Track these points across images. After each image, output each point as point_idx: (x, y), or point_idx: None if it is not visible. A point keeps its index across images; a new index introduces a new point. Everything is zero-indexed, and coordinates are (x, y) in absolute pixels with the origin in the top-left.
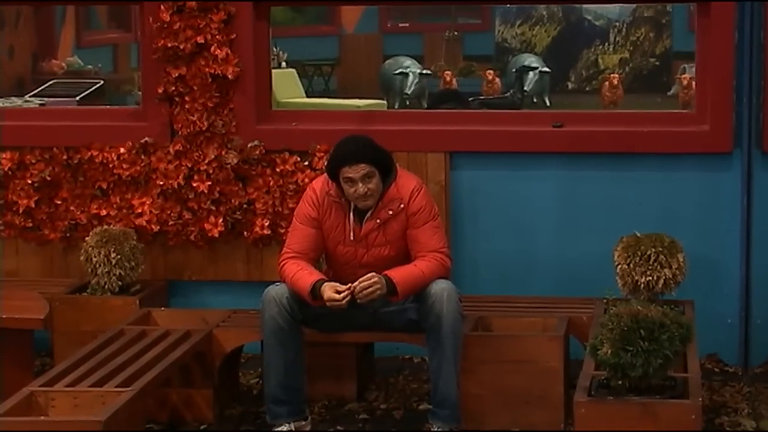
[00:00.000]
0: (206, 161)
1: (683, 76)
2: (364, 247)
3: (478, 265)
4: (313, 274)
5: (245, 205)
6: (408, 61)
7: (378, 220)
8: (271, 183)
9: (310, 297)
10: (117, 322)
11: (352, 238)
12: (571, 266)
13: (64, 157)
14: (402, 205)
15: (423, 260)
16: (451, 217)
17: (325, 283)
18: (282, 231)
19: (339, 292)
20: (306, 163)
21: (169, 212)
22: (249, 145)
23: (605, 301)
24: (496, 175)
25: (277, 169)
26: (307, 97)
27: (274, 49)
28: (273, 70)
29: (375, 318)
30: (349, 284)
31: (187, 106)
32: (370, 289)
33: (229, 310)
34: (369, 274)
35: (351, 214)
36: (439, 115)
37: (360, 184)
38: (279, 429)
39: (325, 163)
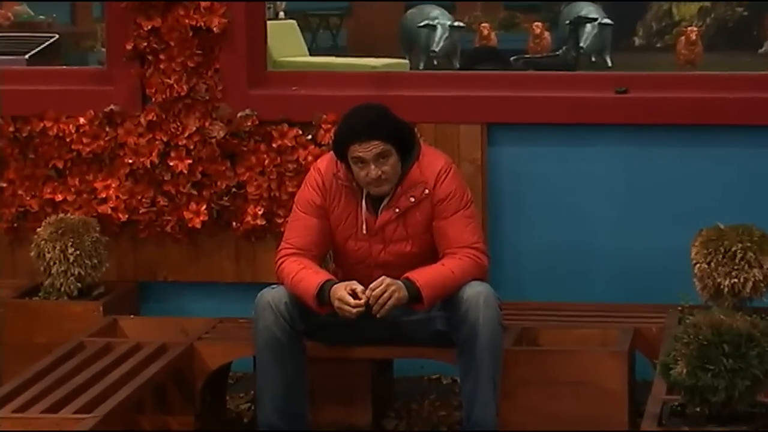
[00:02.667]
0: (186, 135)
1: None
2: (380, 242)
3: (521, 264)
4: (319, 274)
5: (234, 189)
6: (436, 11)
7: (397, 210)
8: (266, 162)
9: (316, 302)
10: (76, 332)
11: (365, 231)
12: (637, 265)
13: (11, 129)
14: (427, 191)
15: (453, 258)
16: (488, 204)
17: (336, 284)
18: (279, 221)
19: (354, 296)
20: (309, 137)
21: (140, 197)
22: (239, 115)
23: (680, 308)
24: (544, 153)
25: (274, 145)
26: (311, 55)
27: None
28: (269, 22)
29: (394, 329)
30: (374, 287)
31: (162, 67)
32: (385, 295)
33: (214, 318)
34: (379, 279)
35: (364, 201)
36: (473, 78)
37: (372, 166)
38: None
39: (331, 139)
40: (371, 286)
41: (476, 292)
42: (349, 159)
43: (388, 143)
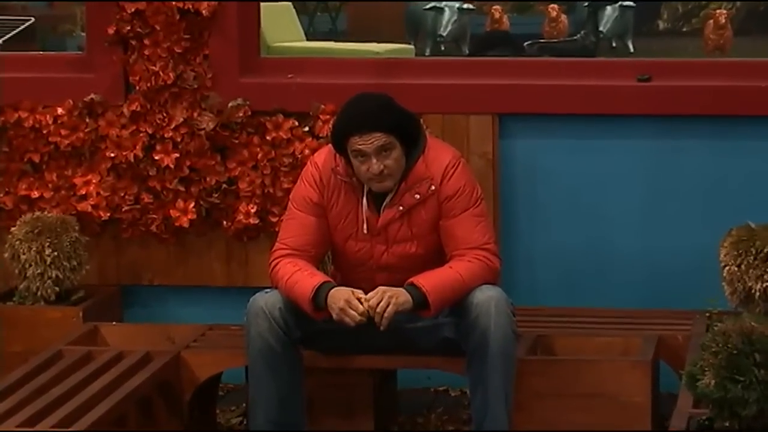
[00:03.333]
0: (172, 126)
1: None
2: (382, 242)
3: (536, 267)
4: (316, 276)
5: (225, 185)
6: None
7: (401, 208)
8: (260, 156)
9: (312, 307)
10: (54, 340)
11: (366, 230)
12: (661, 268)
13: None
14: (433, 187)
15: (462, 261)
16: (500, 202)
17: (337, 288)
18: (274, 220)
19: (352, 306)
20: (306, 128)
21: (122, 194)
22: (230, 105)
23: (707, 314)
24: (560, 146)
25: (268, 137)
26: (308, 40)
27: None
28: (262, 4)
29: (398, 336)
30: (369, 297)
31: (146, 53)
32: (382, 303)
33: (203, 325)
34: (376, 289)
35: (365, 198)
36: (484, 65)
37: (374, 160)
38: None
39: (330, 131)
40: (368, 296)
41: (487, 297)
42: (349, 152)
43: (391, 135)
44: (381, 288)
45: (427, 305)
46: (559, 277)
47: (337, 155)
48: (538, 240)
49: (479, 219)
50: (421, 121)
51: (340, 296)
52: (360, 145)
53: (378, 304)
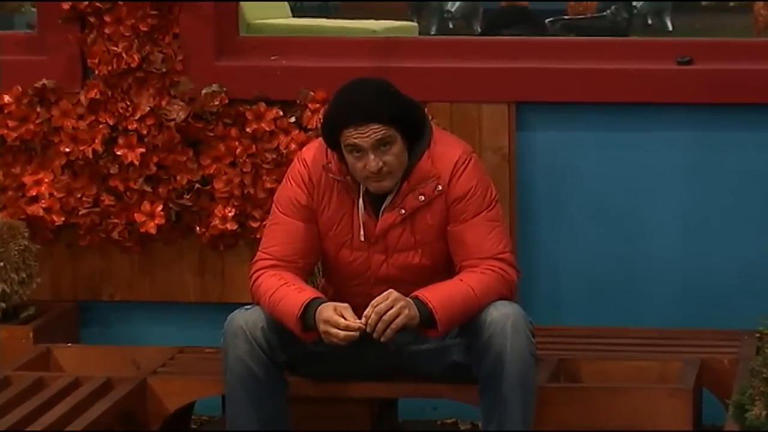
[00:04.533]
0: (137, 116)
1: None
2: (381, 251)
3: (559, 280)
4: (305, 291)
5: (198, 185)
6: None
7: (402, 211)
8: (239, 151)
9: (300, 326)
10: (1, 364)
11: (362, 237)
12: (703, 281)
13: None
14: (440, 187)
15: (473, 272)
16: (517, 204)
17: (324, 304)
18: (255, 226)
19: (332, 324)
20: (293, 119)
21: (79, 195)
22: (204, 92)
23: (757, 335)
24: (588, 139)
25: (248, 129)
26: (295, 17)
27: None
28: None
29: (400, 360)
30: (377, 302)
31: (107, 31)
32: (392, 311)
33: (173, 347)
34: (386, 293)
35: (361, 200)
36: (499, 46)
37: (371, 156)
38: None
39: (320, 122)
40: (374, 301)
41: (503, 314)
42: (343, 147)
43: (391, 127)
44: (392, 293)
45: (434, 323)
46: (586, 292)
47: (329, 150)
48: (562, 248)
49: (493, 224)
50: (426, 110)
51: (321, 315)
52: (355, 138)
53: (387, 312)
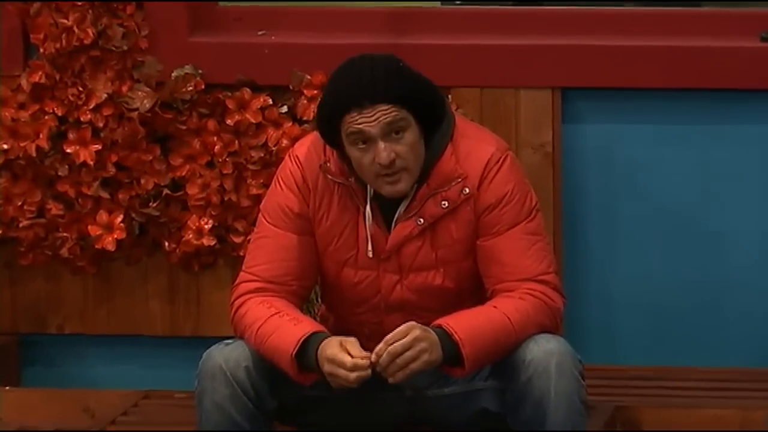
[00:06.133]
0: (92, 105)
1: None
2: (394, 271)
3: (614, 308)
4: (302, 323)
5: (167, 191)
6: None
7: (421, 220)
8: (217, 148)
9: (296, 366)
10: None
11: (370, 254)
12: None
13: None
14: (467, 191)
15: (509, 298)
16: (563, 214)
17: (327, 339)
18: (237, 240)
19: (348, 363)
20: (284, 109)
21: (20, 203)
22: (174, 75)
23: None
24: (651, 134)
25: (229, 122)
26: None
27: None
28: None
29: (417, 407)
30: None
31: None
32: (409, 353)
33: (136, 391)
34: (403, 326)
35: (368, 206)
36: (542, 17)
37: (381, 145)
38: None
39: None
40: (389, 336)
41: (545, 350)
42: (345, 139)
43: (402, 108)
44: (413, 328)
45: (460, 361)
46: (648, 323)
47: (327, 147)
48: (618, 269)
49: (534, 238)
50: (450, 98)
51: (324, 353)
52: (360, 124)
53: (403, 353)
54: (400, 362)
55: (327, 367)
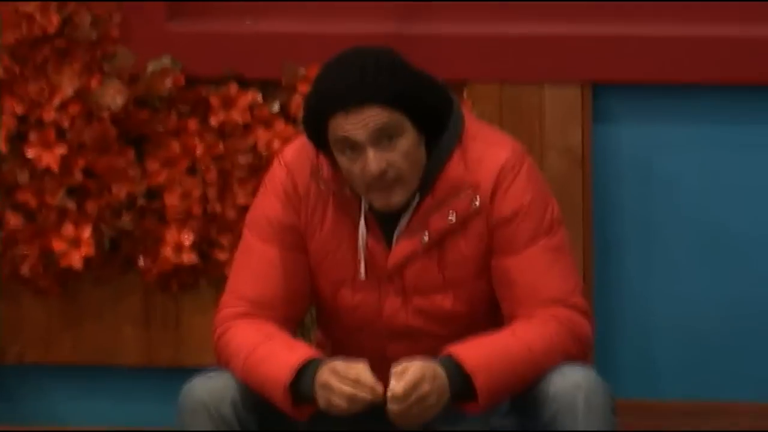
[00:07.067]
0: (57, 103)
1: None
2: (397, 292)
3: (650, 335)
4: (296, 349)
5: (142, 201)
6: None
7: (426, 236)
8: (200, 151)
9: (291, 399)
10: None
11: (362, 276)
12: None
13: None
14: (478, 201)
15: (530, 323)
16: (593, 228)
17: (329, 364)
18: (222, 258)
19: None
20: (275, 107)
21: None
22: (150, 69)
23: None
24: (694, 136)
25: (213, 122)
26: None
27: None
28: None
29: None
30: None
31: None
32: (414, 397)
33: (107, 429)
34: (405, 364)
35: (362, 220)
36: (569, 4)
37: (371, 153)
38: None
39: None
40: (395, 371)
41: (572, 383)
42: (332, 145)
43: (395, 110)
44: (421, 369)
45: (473, 394)
46: (689, 352)
47: (319, 152)
48: (655, 291)
49: (557, 256)
50: (464, 95)
51: (322, 382)
52: (347, 129)
53: (404, 399)
54: (410, 402)
55: (349, 390)
